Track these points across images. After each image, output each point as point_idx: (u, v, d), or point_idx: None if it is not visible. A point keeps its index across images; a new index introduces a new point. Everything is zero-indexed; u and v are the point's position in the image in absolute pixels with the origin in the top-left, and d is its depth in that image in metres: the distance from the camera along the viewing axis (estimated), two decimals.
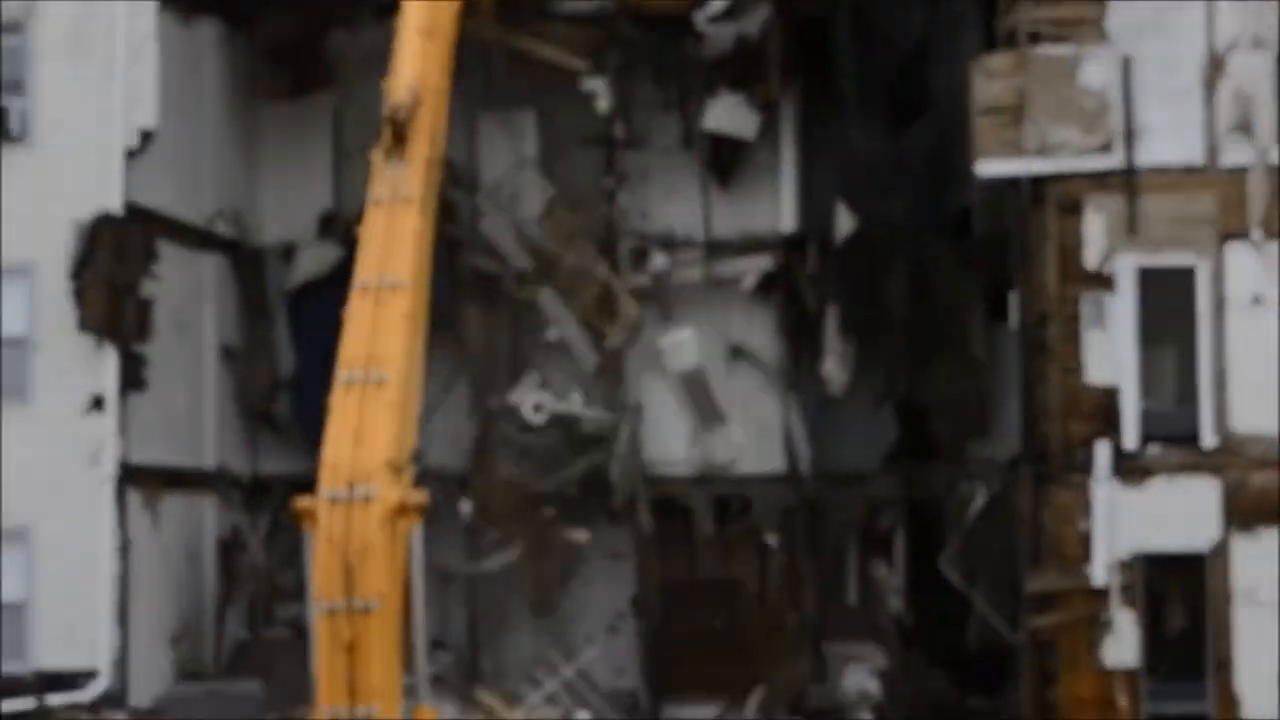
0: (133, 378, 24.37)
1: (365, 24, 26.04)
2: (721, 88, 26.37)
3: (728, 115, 26.42)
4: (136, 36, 24.49)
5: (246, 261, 27.10)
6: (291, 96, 27.28)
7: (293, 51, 27.04)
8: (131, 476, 24.25)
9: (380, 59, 24.10)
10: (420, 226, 17.94)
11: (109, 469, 24.00)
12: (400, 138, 18.13)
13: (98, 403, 24.09)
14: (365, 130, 25.57)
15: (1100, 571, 22.65)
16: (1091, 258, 23.16)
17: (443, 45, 20.25)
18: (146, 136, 24.45)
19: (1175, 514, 22.83)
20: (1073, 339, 23.15)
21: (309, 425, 24.66)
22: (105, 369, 24.16)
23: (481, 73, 26.11)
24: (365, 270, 17.47)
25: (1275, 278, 22.85)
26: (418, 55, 19.15)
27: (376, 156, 18.32)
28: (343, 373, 16.66)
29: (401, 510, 16.00)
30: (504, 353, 27.16)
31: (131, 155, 24.39)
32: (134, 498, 24.29)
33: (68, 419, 24.03)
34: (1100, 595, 22.71)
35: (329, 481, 15.79)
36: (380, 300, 17.21)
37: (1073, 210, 23.25)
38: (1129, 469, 22.86)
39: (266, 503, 26.66)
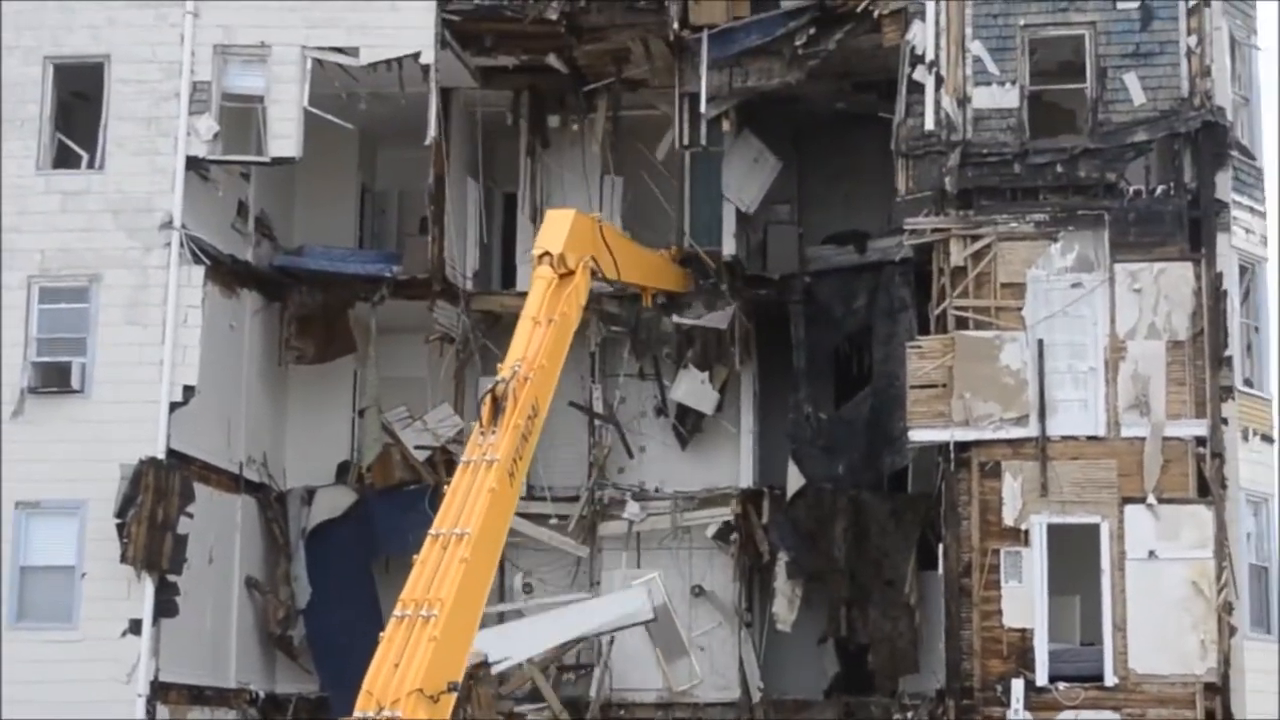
0: (166, 605, 24.93)
1: (383, 300, 27.31)
2: (689, 363, 27.49)
3: (692, 391, 27.60)
4: (185, 305, 25.44)
5: (271, 503, 27.85)
6: (316, 360, 28.21)
7: (320, 322, 28.09)
8: (161, 693, 24.70)
9: (394, 330, 26.08)
10: (498, 485, 18.24)
11: (141, 686, 24.48)
12: (498, 410, 18.72)
13: (135, 626, 24.67)
14: (377, 392, 27.49)
15: None
16: (1009, 515, 24.26)
17: (556, 332, 20.87)
18: (189, 391, 25.29)
19: None
20: (993, 586, 24.08)
21: (320, 650, 26.73)
22: (142, 597, 24.74)
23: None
24: (441, 522, 17.84)
25: (1167, 536, 23.98)
26: (527, 338, 19.93)
27: (475, 425, 18.82)
28: (398, 608, 17.11)
29: None
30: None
31: (175, 407, 25.17)
32: (162, 712, 24.75)
33: (107, 641, 24.55)
34: None
35: (362, 704, 16.28)
36: (446, 547, 17.62)
37: (993, 474, 24.33)
38: (1041, 703, 23.72)
39: (280, 719, 27.20)
